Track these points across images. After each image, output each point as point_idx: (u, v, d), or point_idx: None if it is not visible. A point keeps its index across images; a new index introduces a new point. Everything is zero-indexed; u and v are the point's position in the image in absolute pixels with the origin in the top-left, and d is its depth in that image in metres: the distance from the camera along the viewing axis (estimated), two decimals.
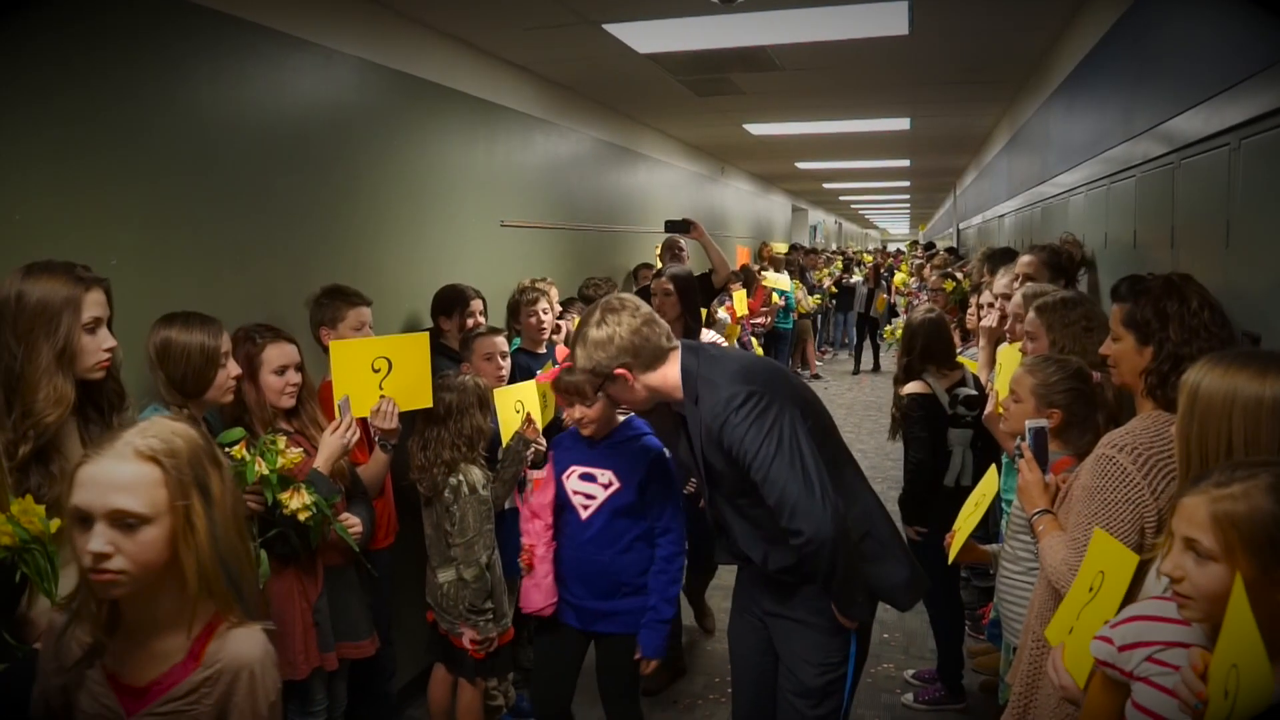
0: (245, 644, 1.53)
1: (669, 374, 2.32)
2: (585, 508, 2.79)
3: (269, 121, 3.18)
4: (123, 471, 1.45)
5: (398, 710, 3.42)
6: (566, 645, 2.89)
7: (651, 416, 2.57)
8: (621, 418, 2.83)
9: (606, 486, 2.77)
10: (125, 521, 1.45)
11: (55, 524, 1.82)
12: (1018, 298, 3.32)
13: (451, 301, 3.86)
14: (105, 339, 2.07)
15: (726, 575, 3.52)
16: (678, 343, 2.37)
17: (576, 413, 2.71)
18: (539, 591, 2.81)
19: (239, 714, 1.50)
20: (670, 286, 4.07)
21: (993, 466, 2.85)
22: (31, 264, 2.02)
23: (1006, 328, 3.49)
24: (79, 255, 2.11)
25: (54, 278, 2.01)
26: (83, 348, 2.03)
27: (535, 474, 2.85)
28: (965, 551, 2.74)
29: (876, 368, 13.18)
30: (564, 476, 2.83)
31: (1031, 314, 2.79)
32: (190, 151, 2.83)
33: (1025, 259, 3.85)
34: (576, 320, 4.38)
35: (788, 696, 2.47)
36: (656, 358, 2.32)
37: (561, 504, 2.84)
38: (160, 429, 1.51)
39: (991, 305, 3.93)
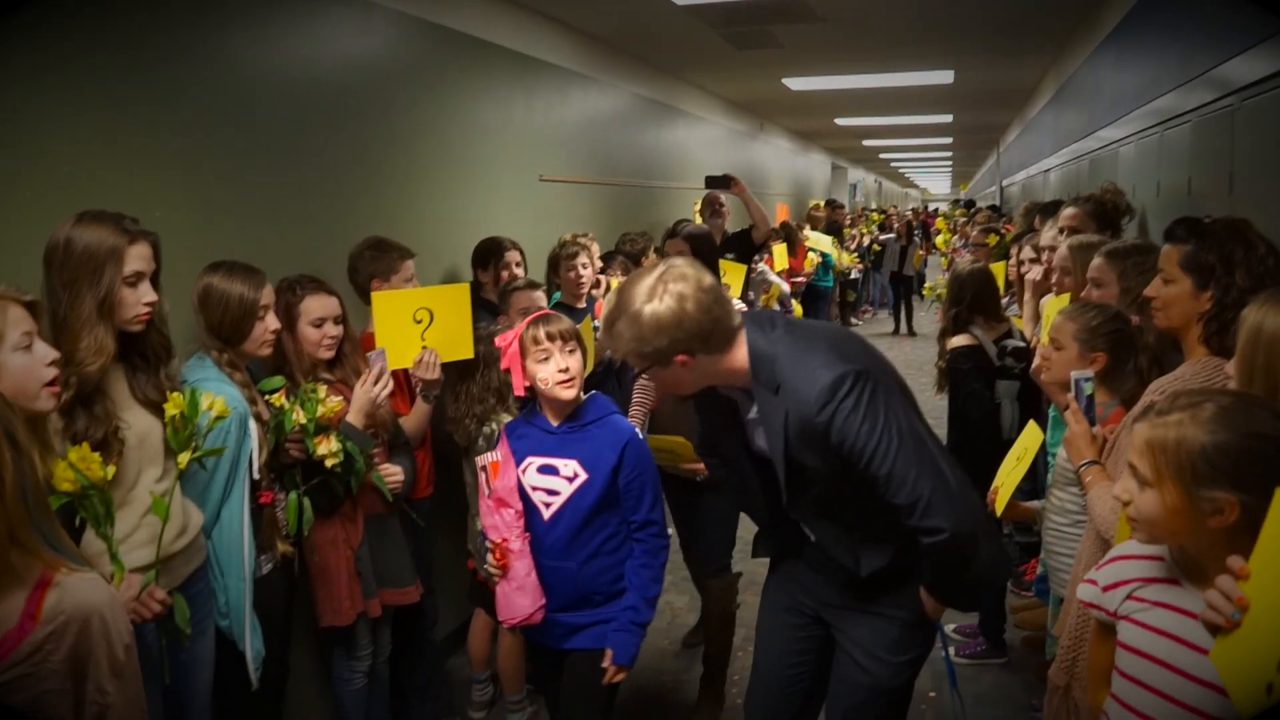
0: (87, 590, 1.43)
1: (737, 357, 1.93)
2: (547, 505, 2.37)
3: (309, 75, 3.18)
4: None
5: (440, 657, 3.47)
6: (541, 664, 2.51)
7: (683, 402, 2.22)
8: (568, 393, 2.37)
9: (571, 479, 2.35)
10: None
11: (112, 470, 1.86)
12: (1063, 249, 3.26)
13: (487, 253, 3.86)
14: (146, 293, 2.08)
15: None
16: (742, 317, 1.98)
17: (561, 362, 2.33)
18: (524, 594, 2.35)
19: (95, 661, 1.42)
20: (685, 247, 3.61)
21: (1031, 421, 2.82)
22: (84, 212, 2.04)
23: (1054, 281, 3.42)
24: (125, 206, 2.12)
25: (102, 227, 2.02)
26: (122, 300, 2.03)
27: (490, 457, 2.39)
28: (1009, 509, 2.72)
29: (911, 331, 12.27)
30: (520, 470, 2.41)
31: (1100, 260, 2.72)
32: (231, 105, 2.84)
33: (1069, 211, 3.78)
34: (616, 280, 4.37)
35: (851, 695, 2.16)
36: (727, 340, 1.91)
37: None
38: None
39: (1035, 259, 3.87)
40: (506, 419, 2.98)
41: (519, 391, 2.40)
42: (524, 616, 2.35)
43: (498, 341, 2.59)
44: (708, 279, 1.90)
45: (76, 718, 1.44)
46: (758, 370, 1.92)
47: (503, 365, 2.42)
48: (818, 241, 9.43)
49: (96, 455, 1.82)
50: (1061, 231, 3.65)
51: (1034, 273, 3.81)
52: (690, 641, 3.97)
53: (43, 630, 1.38)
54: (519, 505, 2.37)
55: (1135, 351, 2.43)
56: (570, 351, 2.35)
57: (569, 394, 2.35)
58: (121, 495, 2.04)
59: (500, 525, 2.36)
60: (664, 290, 1.84)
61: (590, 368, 3.31)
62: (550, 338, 2.34)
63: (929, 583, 2.04)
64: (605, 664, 2.35)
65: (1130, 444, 1.48)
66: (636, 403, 3.37)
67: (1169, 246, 2.10)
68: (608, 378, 3.77)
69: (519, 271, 3.84)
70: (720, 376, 1.97)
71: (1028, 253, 3.91)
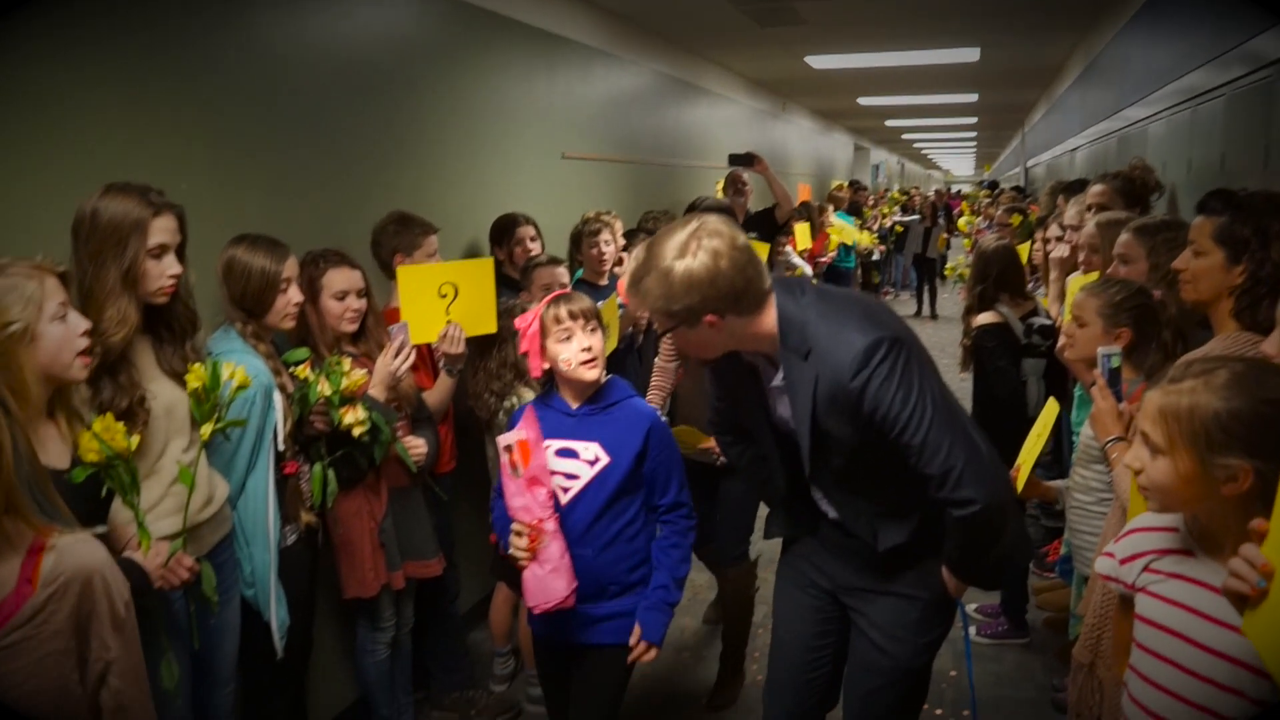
0: (85, 551, 1.47)
1: (766, 321, 1.86)
2: (565, 490, 2.25)
3: (333, 50, 3.18)
4: None
5: (462, 630, 3.49)
6: (548, 659, 2.44)
7: (693, 370, 2.14)
8: (592, 373, 2.27)
9: (592, 463, 2.26)
10: None
11: (136, 440, 1.87)
12: (1090, 226, 3.23)
13: (501, 230, 3.88)
14: (170, 265, 2.08)
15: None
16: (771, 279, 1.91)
17: (584, 341, 2.25)
18: (560, 576, 2.17)
19: (98, 618, 1.46)
20: None
21: (1051, 398, 2.80)
22: (111, 184, 2.05)
23: (1081, 260, 3.38)
24: (152, 180, 2.13)
25: (127, 199, 2.03)
26: (146, 272, 2.04)
27: (514, 436, 2.18)
28: (1030, 487, 2.70)
29: (934, 315, 11.99)
30: None
31: (1128, 236, 2.69)
32: (257, 81, 2.84)
33: (1096, 188, 3.73)
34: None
35: (870, 678, 2.10)
36: (756, 303, 1.84)
37: None
38: None
39: (1060, 237, 3.83)
40: (528, 394, 2.97)
41: (536, 374, 2.33)
42: (560, 599, 2.17)
43: (516, 323, 2.46)
44: (741, 238, 1.83)
45: (81, 676, 1.46)
46: (787, 335, 1.85)
47: (521, 348, 2.33)
48: (841, 230, 9.24)
49: (120, 425, 1.83)
50: (1089, 209, 3.61)
51: (1059, 251, 3.77)
52: (710, 618, 3.97)
53: (43, 593, 1.40)
54: (551, 485, 2.22)
55: (1159, 326, 2.41)
56: (592, 330, 2.27)
57: (592, 374, 2.26)
58: (149, 465, 2.06)
59: (533, 506, 2.19)
60: (698, 246, 1.77)
61: (612, 346, 3.30)
62: (572, 316, 2.25)
63: (952, 560, 2.00)
64: (633, 641, 2.27)
65: (1143, 413, 1.47)
66: (655, 385, 3.34)
67: (1202, 218, 2.07)
68: (629, 356, 3.76)
69: (533, 246, 3.83)
70: (747, 340, 1.90)
71: (1054, 230, 3.87)
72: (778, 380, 1.94)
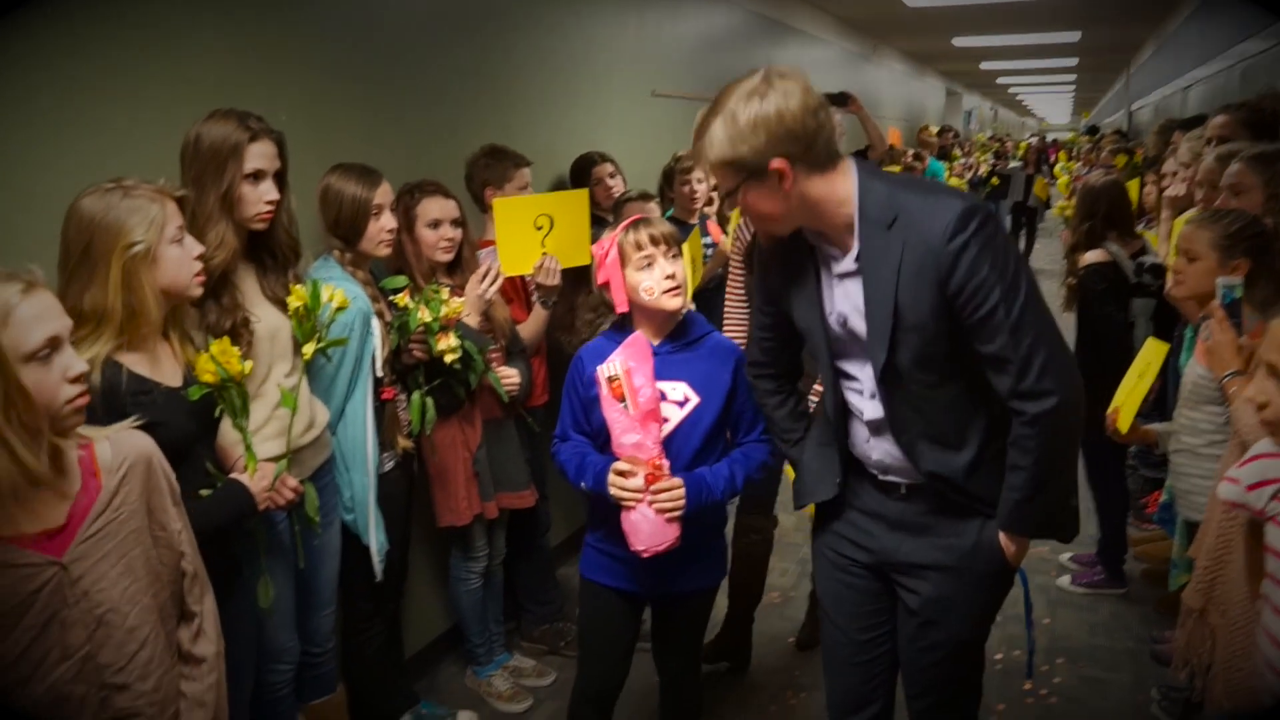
0: (135, 438, 1.55)
1: (840, 184, 1.69)
2: None
3: None
4: (48, 296, 1.41)
5: (552, 563, 3.53)
6: (619, 613, 2.25)
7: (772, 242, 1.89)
8: (675, 302, 2.10)
9: (682, 404, 2.09)
10: (75, 339, 1.44)
11: (250, 365, 1.92)
12: (1210, 160, 3.06)
13: (579, 171, 3.86)
14: (268, 191, 2.10)
15: None
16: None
17: (667, 268, 2.07)
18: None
19: (160, 494, 1.55)
20: None
21: (1151, 337, 2.69)
22: (215, 110, 2.08)
23: (1200, 197, 3.21)
24: (251, 109, 2.14)
25: (226, 123, 2.05)
26: (242, 196, 2.07)
27: (617, 366, 2.01)
28: (1129, 430, 2.61)
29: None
30: None
31: (1240, 165, 2.55)
32: (353, 14, 2.85)
33: (1218, 120, 3.53)
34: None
35: (926, 655, 1.95)
36: (829, 158, 1.68)
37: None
38: None
39: (1174, 174, 3.64)
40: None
41: (620, 307, 2.13)
42: (674, 539, 2.02)
43: (594, 249, 2.27)
44: (815, 89, 1.67)
45: (157, 548, 1.54)
46: (867, 202, 1.69)
47: (600, 279, 2.16)
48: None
49: (236, 350, 1.87)
50: (1209, 142, 3.42)
51: (1175, 189, 3.59)
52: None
53: (113, 479, 1.48)
54: (662, 420, 2.07)
55: (1274, 258, 2.30)
56: (674, 257, 2.09)
57: (676, 303, 2.09)
58: (253, 389, 2.10)
59: (648, 443, 2.01)
60: (768, 88, 1.63)
61: (695, 284, 3.22)
62: (654, 241, 2.07)
63: (1016, 501, 1.77)
64: (676, 486, 2.02)
65: (1269, 343, 1.39)
66: (731, 323, 3.24)
67: None
68: (717, 297, 3.70)
69: (613, 183, 3.79)
70: (818, 207, 1.71)
71: (1170, 166, 3.67)
72: (846, 264, 1.76)
